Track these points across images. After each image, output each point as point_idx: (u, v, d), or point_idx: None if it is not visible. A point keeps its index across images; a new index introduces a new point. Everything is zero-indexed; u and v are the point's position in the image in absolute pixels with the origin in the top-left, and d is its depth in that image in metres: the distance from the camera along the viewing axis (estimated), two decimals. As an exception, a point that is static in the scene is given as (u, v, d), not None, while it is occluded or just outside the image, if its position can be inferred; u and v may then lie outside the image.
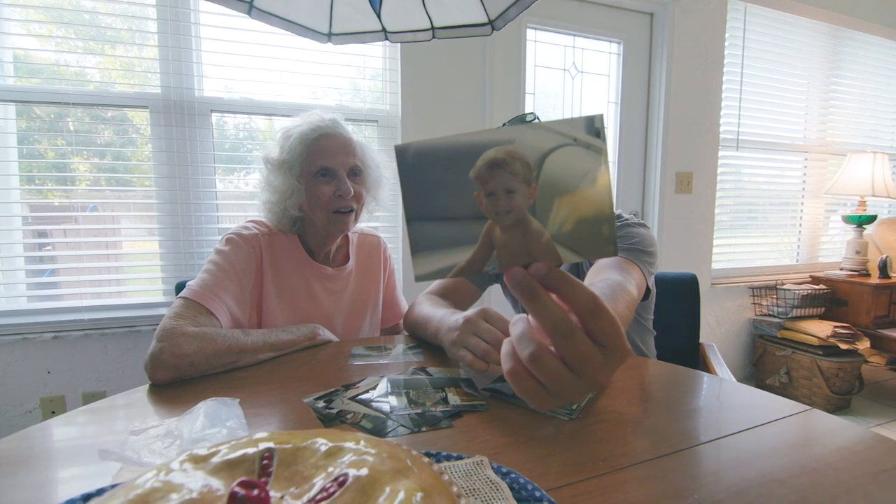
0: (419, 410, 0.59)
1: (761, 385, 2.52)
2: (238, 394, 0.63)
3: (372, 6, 0.68)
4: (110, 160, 1.66)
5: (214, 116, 1.72)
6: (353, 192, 0.94)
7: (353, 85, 1.94)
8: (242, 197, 1.83)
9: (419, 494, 0.28)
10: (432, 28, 0.71)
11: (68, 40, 1.59)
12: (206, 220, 1.71)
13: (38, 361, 1.53)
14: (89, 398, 1.58)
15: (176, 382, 0.70)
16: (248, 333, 0.79)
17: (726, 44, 2.43)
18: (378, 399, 0.62)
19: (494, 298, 2.06)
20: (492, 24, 0.69)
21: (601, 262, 0.82)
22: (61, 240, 1.63)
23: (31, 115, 1.57)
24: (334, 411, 0.58)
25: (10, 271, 1.57)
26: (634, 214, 1.04)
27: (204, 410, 0.51)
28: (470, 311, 0.68)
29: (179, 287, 1.18)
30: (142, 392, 0.67)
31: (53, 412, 1.56)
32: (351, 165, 0.95)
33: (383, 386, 0.67)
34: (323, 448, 0.33)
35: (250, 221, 0.99)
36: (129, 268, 1.74)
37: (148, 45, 1.65)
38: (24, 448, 0.51)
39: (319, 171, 0.92)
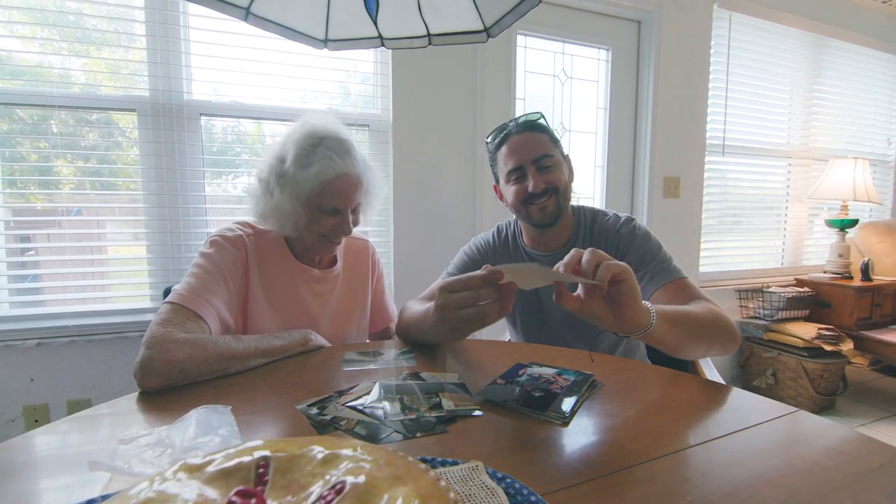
0: (413, 416, 0.59)
1: (748, 386, 2.56)
2: (229, 401, 0.62)
3: (368, 13, 0.68)
4: (95, 163, 1.64)
5: (203, 120, 1.71)
6: (351, 230, 0.96)
7: (342, 89, 1.94)
8: (231, 201, 1.81)
9: (417, 501, 0.28)
10: (428, 35, 0.71)
11: (52, 42, 1.57)
12: (194, 225, 1.69)
13: (20, 369, 1.50)
14: (74, 406, 1.55)
15: (166, 390, 0.69)
16: (239, 339, 0.78)
17: (712, 51, 2.48)
18: (371, 405, 0.62)
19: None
20: (487, 32, 0.70)
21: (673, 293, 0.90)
22: (45, 244, 1.60)
23: (14, 117, 1.54)
24: (328, 418, 0.58)
25: (-8, 276, 1.54)
26: (628, 217, 1.06)
27: (195, 418, 0.51)
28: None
29: (167, 292, 1.16)
30: (130, 400, 0.66)
31: (37, 420, 1.52)
32: (355, 204, 0.96)
33: (376, 391, 0.66)
34: (319, 455, 0.33)
35: (235, 223, 0.97)
36: (116, 273, 1.71)
37: (135, 47, 1.63)
38: (12, 458, 0.50)
39: (328, 210, 0.92)
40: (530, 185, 0.98)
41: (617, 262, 0.60)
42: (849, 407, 2.38)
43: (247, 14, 0.59)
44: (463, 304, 0.66)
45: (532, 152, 1.00)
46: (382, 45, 0.72)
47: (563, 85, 2.27)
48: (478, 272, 0.66)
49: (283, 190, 0.90)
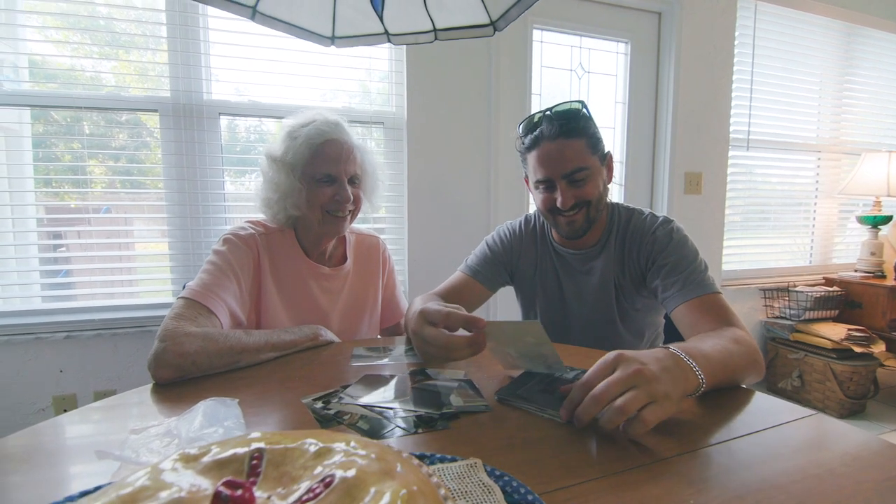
0: (417, 411, 0.59)
1: (773, 389, 2.48)
2: (238, 394, 0.63)
3: (374, 9, 0.68)
4: (125, 163, 1.70)
5: (224, 120, 1.74)
6: (351, 198, 0.96)
7: (361, 87, 1.95)
8: (252, 199, 1.84)
9: (404, 496, 0.28)
10: (434, 30, 0.71)
11: (84, 45, 1.63)
12: (214, 222, 1.73)
13: (51, 360, 1.56)
14: (100, 397, 1.61)
15: (179, 382, 0.71)
16: (250, 334, 0.80)
17: (736, 42, 2.40)
18: (378, 400, 0.63)
19: (503, 300, 2.05)
20: (494, 25, 0.69)
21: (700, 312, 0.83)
22: (75, 241, 1.66)
23: (49, 119, 1.61)
24: (332, 412, 0.59)
25: (25, 272, 1.60)
26: (665, 218, 0.99)
27: (203, 410, 0.52)
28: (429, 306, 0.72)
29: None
30: (145, 391, 0.68)
31: (66, 410, 1.58)
32: (351, 173, 0.97)
33: (386, 386, 0.67)
34: (312, 449, 0.33)
35: (247, 222, 1.00)
36: (140, 268, 1.76)
37: (157, 49, 1.67)
38: (26, 446, 0.52)
39: (323, 178, 0.94)
40: (559, 201, 0.91)
41: (629, 401, 0.50)
42: (880, 411, 2.29)
43: (254, 13, 0.60)
44: (434, 340, 0.67)
45: (564, 166, 0.90)
46: (389, 41, 0.73)
47: (581, 79, 2.23)
48: (464, 314, 0.66)
49: (277, 165, 0.94)
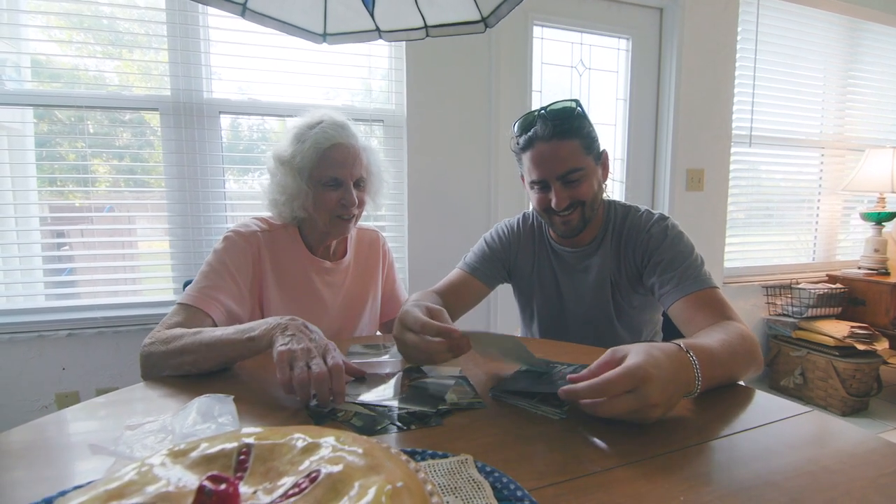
0: (412, 408, 0.59)
1: (775, 386, 2.47)
2: (235, 390, 0.63)
3: (365, 6, 0.68)
4: (128, 162, 1.70)
5: (227, 118, 1.75)
6: (357, 202, 0.96)
7: (362, 85, 1.95)
8: (256, 197, 1.85)
9: (388, 491, 0.28)
10: (426, 27, 0.71)
11: (87, 45, 1.63)
12: (215, 220, 1.74)
13: (53, 358, 1.58)
14: (103, 394, 1.62)
15: (178, 379, 0.72)
16: (199, 332, 0.74)
17: (738, 38, 2.39)
18: (374, 397, 0.63)
19: (502, 297, 2.05)
20: (485, 22, 0.69)
21: (698, 309, 0.82)
22: (78, 240, 1.67)
23: (53, 118, 1.61)
24: (326, 409, 0.59)
25: (29, 270, 1.62)
26: (661, 215, 0.98)
27: (197, 406, 0.52)
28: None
29: (187, 286, 1.21)
30: (145, 387, 0.69)
31: (68, 408, 1.60)
32: (357, 176, 0.97)
33: (382, 384, 0.67)
34: (300, 444, 0.33)
35: (253, 218, 1.01)
36: (143, 267, 1.77)
37: (158, 48, 1.68)
38: (25, 441, 0.53)
39: (329, 181, 0.94)
40: (553, 202, 0.91)
41: (622, 400, 0.52)
42: (883, 409, 2.27)
43: (244, 10, 0.60)
44: (414, 346, 0.68)
45: (558, 167, 0.89)
46: (380, 37, 0.73)
47: (582, 76, 2.22)
48: (438, 324, 0.66)
49: (284, 168, 0.94)
